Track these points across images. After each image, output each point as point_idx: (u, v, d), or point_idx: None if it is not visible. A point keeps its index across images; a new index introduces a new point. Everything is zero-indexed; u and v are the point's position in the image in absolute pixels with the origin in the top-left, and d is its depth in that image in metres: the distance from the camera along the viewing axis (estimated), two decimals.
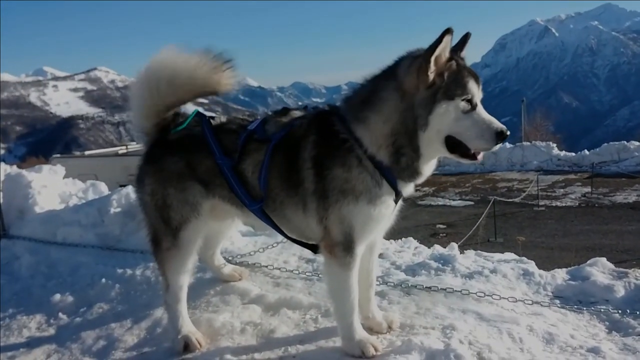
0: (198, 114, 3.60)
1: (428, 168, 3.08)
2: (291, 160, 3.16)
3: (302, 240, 3.46)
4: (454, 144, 2.92)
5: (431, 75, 2.81)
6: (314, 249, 3.35)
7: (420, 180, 3.12)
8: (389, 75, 3.01)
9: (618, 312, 3.81)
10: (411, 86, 2.86)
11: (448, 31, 2.74)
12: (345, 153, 3.01)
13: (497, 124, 2.87)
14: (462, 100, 2.84)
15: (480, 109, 2.90)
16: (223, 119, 3.60)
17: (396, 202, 3.19)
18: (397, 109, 2.92)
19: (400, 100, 2.90)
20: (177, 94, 3.57)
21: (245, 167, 3.33)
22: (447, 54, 2.83)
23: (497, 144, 2.87)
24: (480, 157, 2.99)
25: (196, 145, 3.44)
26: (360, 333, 3.31)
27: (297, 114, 3.38)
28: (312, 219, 3.17)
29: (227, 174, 3.34)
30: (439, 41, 2.75)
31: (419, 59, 2.83)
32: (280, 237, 4.89)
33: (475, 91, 2.89)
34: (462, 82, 2.85)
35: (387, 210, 3.14)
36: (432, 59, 2.77)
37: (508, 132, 2.86)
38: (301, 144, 3.14)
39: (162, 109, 3.57)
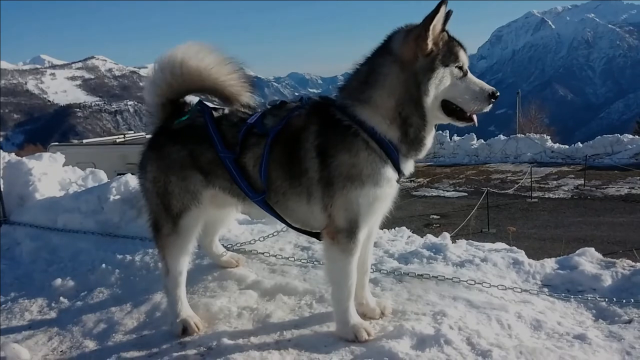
0: (201, 103, 3.63)
1: (430, 139, 3.20)
2: (292, 152, 3.21)
3: (305, 229, 3.52)
4: (450, 109, 3.12)
5: (429, 44, 2.96)
6: (318, 236, 3.41)
7: (423, 153, 3.22)
8: (384, 51, 3.13)
9: (605, 301, 3.88)
10: (410, 55, 3.00)
11: (443, 2, 2.91)
12: (351, 138, 3.08)
13: (488, 87, 3.11)
14: (455, 67, 3.05)
15: (470, 75, 3.12)
16: (226, 110, 3.62)
17: (398, 182, 3.29)
18: (399, 79, 3.04)
19: (401, 71, 3.03)
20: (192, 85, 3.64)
21: (246, 161, 3.38)
22: (440, 25, 2.99)
23: (489, 104, 3.12)
24: (475, 119, 3.19)
25: (199, 136, 3.47)
26: (354, 318, 3.39)
27: (292, 106, 3.42)
28: (316, 207, 3.22)
29: (229, 167, 3.38)
30: (435, 11, 2.91)
31: (417, 29, 2.98)
32: (278, 227, 4.99)
33: (465, 59, 3.10)
34: (453, 51, 3.05)
35: (391, 190, 3.25)
36: (431, 27, 2.93)
37: (498, 93, 3.11)
38: (302, 136, 3.19)
39: (174, 92, 3.64)
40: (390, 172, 3.15)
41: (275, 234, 5.13)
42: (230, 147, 3.40)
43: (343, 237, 3.19)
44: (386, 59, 3.09)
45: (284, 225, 3.63)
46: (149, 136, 3.91)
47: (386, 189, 3.18)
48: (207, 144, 3.45)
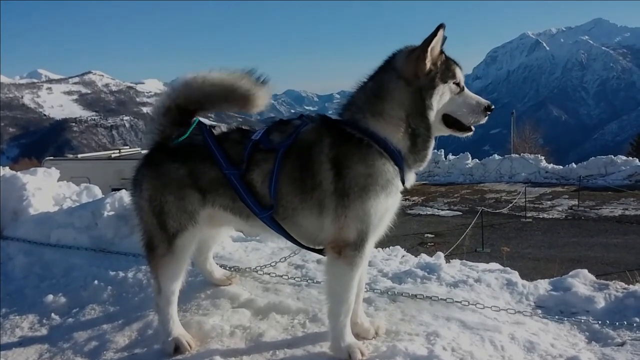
0: (198, 122, 3.61)
1: (431, 151, 3.35)
2: (305, 166, 3.23)
3: (308, 245, 3.51)
4: (450, 122, 3.32)
5: (428, 64, 3.15)
6: (321, 252, 3.41)
7: (425, 164, 3.36)
8: (388, 68, 3.29)
9: (598, 323, 3.87)
10: (412, 73, 3.17)
11: (441, 26, 3.10)
12: (366, 150, 3.15)
13: (484, 100, 3.33)
14: (453, 83, 3.25)
15: (467, 90, 3.34)
16: (224, 128, 3.61)
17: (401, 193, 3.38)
18: (406, 92, 3.20)
19: (407, 86, 3.19)
20: (206, 100, 3.69)
21: (253, 177, 3.36)
22: (439, 47, 3.18)
23: (485, 117, 3.33)
24: (473, 128, 3.37)
25: (199, 154, 3.45)
26: (349, 337, 3.38)
27: (298, 123, 3.44)
28: (327, 219, 3.22)
29: (235, 184, 3.36)
30: (434, 35, 3.09)
31: (417, 50, 3.15)
32: (272, 245, 4.95)
33: (461, 76, 3.32)
34: (451, 68, 3.26)
35: (397, 201, 3.35)
36: (429, 49, 3.11)
37: (493, 106, 3.33)
38: (314, 149, 3.22)
39: (183, 109, 3.64)
40: (399, 183, 3.25)
41: (292, 255, 5.02)
42: (235, 165, 3.39)
43: (350, 251, 3.20)
44: (391, 75, 3.24)
45: (284, 242, 3.63)
46: (144, 152, 3.89)
47: (395, 199, 3.29)
48: (208, 162, 3.43)
